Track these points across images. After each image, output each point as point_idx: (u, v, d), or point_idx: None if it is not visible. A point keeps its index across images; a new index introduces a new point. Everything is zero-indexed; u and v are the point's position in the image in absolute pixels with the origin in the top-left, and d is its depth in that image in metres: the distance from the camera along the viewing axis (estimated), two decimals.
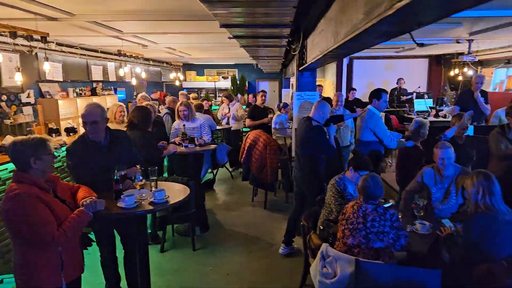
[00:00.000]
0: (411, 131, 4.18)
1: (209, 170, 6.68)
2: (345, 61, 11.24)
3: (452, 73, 10.11)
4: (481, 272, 2.18)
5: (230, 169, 7.30)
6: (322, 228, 3.06)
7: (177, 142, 4.54)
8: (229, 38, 3.99)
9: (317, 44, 3.03)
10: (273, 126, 6.61)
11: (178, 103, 4.89)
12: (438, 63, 11.48)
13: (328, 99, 5.79)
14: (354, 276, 2.17)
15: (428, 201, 3.23)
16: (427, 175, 3.27)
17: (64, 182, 2.41)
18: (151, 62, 10.87)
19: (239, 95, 12.37)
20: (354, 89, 8.54)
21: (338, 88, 11.09)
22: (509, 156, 3.40)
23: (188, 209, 3.89)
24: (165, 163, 5.22)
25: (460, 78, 9.63)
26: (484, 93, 5.90)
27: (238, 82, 12.93)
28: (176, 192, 2.71)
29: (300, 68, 4.16)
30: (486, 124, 5.85)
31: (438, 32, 5.98)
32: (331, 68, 12.31)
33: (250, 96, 9.08)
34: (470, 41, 7.13)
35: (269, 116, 6.67)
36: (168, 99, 6.39)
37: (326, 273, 2.34)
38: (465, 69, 9.86)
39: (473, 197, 2.39)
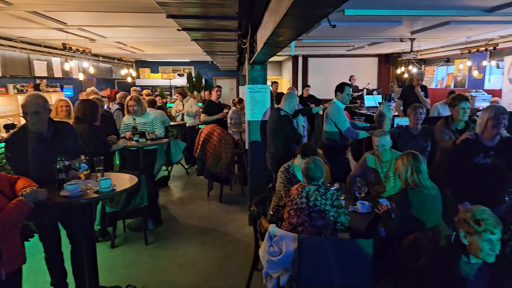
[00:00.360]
0: (375, 120, 4.51)
1: (164, 168, 6.63)
2: (300, 59, 11.65)
3: (398, 71, 10.82)
4: (410, 241, 2.45)
5: (186, 166, 7.29)
6: (272, 213, 3.22)
7: (127, 137, 4.49)
8: (178, 30, 4.02)
9: (263, 36, 3.18)
10: (228, 121, 6.71)
11: (128, 98, 4.84)
12: (387, 61, 12.23)
13: (281, 94, 6.04)
14: (297, 251, 2.34)
15: (370, 184, 3.51)
16: (369, 161, 3.55)
17: (2, 173, 2.35)
18: (100, 58, 10.51)
19: (195, 92, 12.34)
20: (308, 86, 8.88)
21: (294, 85, 11.45)
22: (444, 148, 3.67)
23: (139, 203, 3.88)
24: (117, 161, 5.13)
25: (406, 75, 10.34)
26: (424, 88, 6.44)
27: (194, 79, 12.86)
28: (123, 181, 2.73)
29: (250, 61, 4.30)
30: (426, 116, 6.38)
31: (383, 30, 6.41)
32: (287, 66, 12.68)
33: (206, 92, 9.11)
34: (412, 39, 7.71)
35: (224, 111, 6.76)
36: (119, 94, 6.28)
37: (272, 251, 2.48)
38: (410, 67, 10.64)
39: (403, 175, 2.67)
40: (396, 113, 6.55)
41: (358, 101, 9.97)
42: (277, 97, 6.06)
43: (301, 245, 2.31)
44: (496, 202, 2.71)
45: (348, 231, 2.88)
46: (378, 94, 10.16)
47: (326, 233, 2.53)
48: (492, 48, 7.47)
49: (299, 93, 9.10)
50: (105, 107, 5.96)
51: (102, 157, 2.73)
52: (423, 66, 11.54)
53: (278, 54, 4.09)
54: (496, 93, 7.58)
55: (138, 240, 4.08)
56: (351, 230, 2.87)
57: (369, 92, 10.14)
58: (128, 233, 4.34)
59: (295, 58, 11.54)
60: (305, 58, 11.68)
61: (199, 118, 7.34)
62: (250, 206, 4.52)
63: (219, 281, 3.31)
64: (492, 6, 4.46)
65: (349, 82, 9.96)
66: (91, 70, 8.58)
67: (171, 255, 3.76)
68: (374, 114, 6.23)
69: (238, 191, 5.78)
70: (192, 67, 14.09)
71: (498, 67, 7.83)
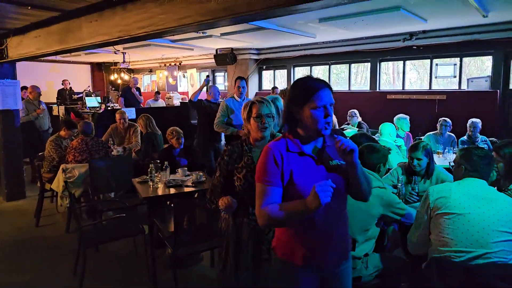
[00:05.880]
0: None
1: None
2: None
3: (112, 78, 12.77)
4: None
5: None
6: None
7: None
8: None
9: None
10: None
11: None
12: (100, 69, 13.87)
13: None
14: None
15: None
16: None
17: None
18: None
19: None
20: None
21: None
22: None
23: None
24: None
25: (119, 81, 12.46)
26: (138, 89, 8.75)
27: None
28: None
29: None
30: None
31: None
32: None
33: None
34: (124, 53, 9.83)
35: None
36: None
37: None
38: (122, 75, 12.85)
39: None
40: None
41: (79, 102, 11.04)
42: None
43: None
44: None
45: None
46: (97, 96, 11.68)
47: None
48: (179, 63, 10.89)
49: None
50: None
51: None
52: (132, 74, 14.06)
53: None
54: (185, 93, 11.06)
55: None
56: None
57: (89, 94, 11.48)
58: None
59: None
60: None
61: None
62: None
63: None
64: (174, 40, 7.27)
65: (62, 87, 10.88)
66: None
67: None
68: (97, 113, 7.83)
69: None
70: None
71: (184, 76, 11.40)
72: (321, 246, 1.44)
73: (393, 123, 4.89)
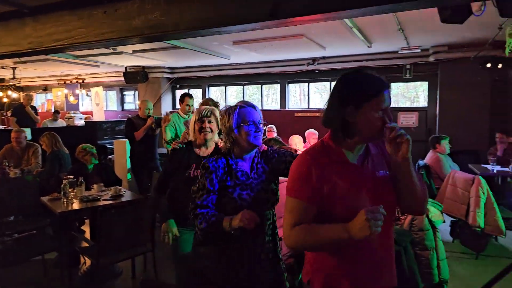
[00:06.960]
0: None
1: None
2: None
3: None
4: None
5: None
6: None
7: None
8: None
9: None
10: None
11: None
12: None
13: None
14: None
15: None
16: None
17: None
18: None
19: None
20: None
21: None
22: None
23: None
24: None
25: (5, 99, 11.33)
26: (33, 108, 8.13)
27: None
28: None
29: None
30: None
31: None
32: None
33: None
34: (14, 68, 9.05)
35: None
36: None
37: None
38: (9, 92, 11.70)
39: None
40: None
41: None
42: None
43: None
44: None
45: None
46: None
47: None
48: (82, 81, 10.42)
49: None
50: None
51: None
52: (21, 92, 12.83)
53: None
54: (89, 113, 10.54)
55: None
56: None
57: None
58: None
59: None
60: None
61: None
62: None
63: None
64: (78, 55, 7.06)
65: None
66: None
67: None
68: None
69: None
70: None
71: (87, 95, 10.91)
72: (370, 274, 1.26)
73: (304, 136, 5.62)
